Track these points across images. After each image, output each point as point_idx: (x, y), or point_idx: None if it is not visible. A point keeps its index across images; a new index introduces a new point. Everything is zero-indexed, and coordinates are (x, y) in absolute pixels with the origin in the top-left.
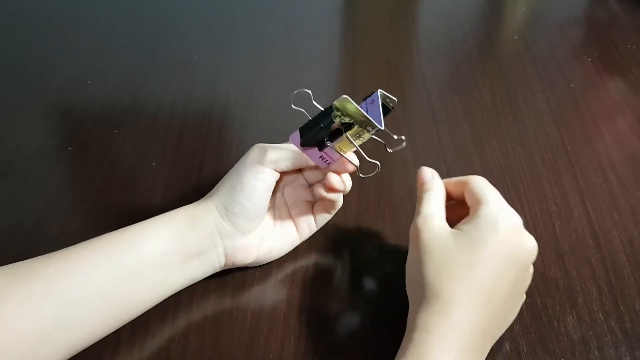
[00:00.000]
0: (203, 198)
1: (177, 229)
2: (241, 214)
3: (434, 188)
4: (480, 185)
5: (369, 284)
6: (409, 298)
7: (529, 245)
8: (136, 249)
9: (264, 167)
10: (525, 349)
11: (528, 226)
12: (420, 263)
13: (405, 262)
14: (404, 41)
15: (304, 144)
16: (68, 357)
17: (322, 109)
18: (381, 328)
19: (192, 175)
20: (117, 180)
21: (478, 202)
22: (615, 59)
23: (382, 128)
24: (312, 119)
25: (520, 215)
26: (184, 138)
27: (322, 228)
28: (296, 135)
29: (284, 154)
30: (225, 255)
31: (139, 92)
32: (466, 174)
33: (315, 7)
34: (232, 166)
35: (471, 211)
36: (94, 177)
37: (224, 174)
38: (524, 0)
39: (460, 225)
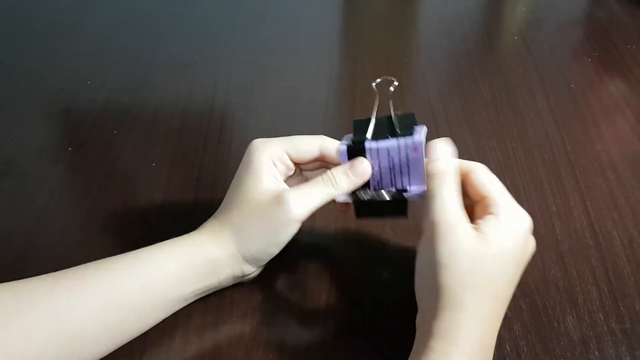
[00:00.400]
0: (219, 237)
1: (196, 273)
2: (269, 258)
3: (455, 175)
4: (488, 180)
5: (370, 283)
6: (420, 300)
7: (532, 246)
8: (148, 285)
9: (300, 223)
10: (525, 349)
11: None
12: (443, 269)
13: (408, 260)
14: (404, 41)
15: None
16: None
17: (389, 198)
18: (382, 328)
19: (192, 175)
20: (117, 180)
21: (491, 202)
22: (615, 59)
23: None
24: (377, 207)
25: None
26: (184, 138)
27: (322, 227)
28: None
29: (317, 204)
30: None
31: (139, 92)
32: None
33: (315, 7)
34: (232, 166)
35: (483, 208)
36: (94, 177)
37: (224, 174)
38: (524, 0)
39: (479, 225)
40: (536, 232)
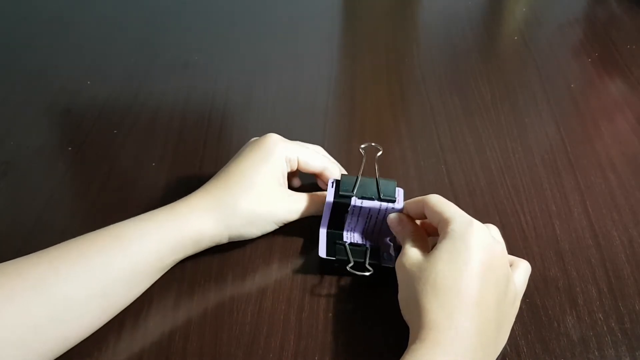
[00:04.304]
0: (210, 212)
1: (179, 245)
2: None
3: (410, 230)
4: (439, 204)
5: (370, 284)
6: (409, 324)
7: (498, 248)
8: (133, 259)
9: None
10: (525, 349)
11: (528, 226)
12: (408, 287)
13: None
14: (404, 41)
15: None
16: (65, 350)
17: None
18: (382, 328)
19: (192, 175)
20: (117, 180)
21: (444, 222)
22: (615, 59)
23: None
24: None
25: (520, 215)
26: (184, 138)
27: (318, 221)
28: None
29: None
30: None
31: (139, 92)
32: (466, 175)
33: (315, 7)
34: None
35: (440, 230)
36: (94, 177)
37: None
38: (524, 0)
39: (437, 245)
40: (536, 232)
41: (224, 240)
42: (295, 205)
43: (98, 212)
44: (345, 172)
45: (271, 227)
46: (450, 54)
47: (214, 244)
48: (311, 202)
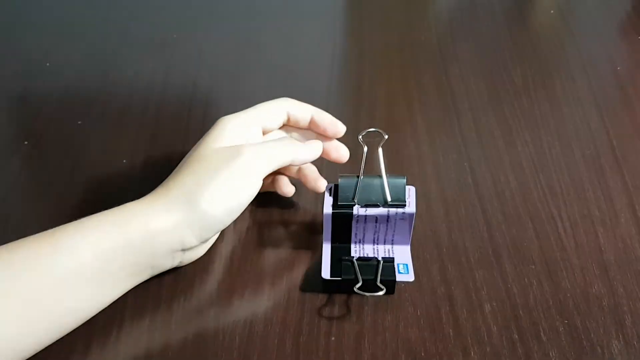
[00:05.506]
0: (163, 201)
1: (129, 244)
2: (220, 226)
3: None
4: None
5: (380, 302)
6: None
7: None
8: (68, 259)
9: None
10: None
11: (566, 234)
12: None
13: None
14: (419, 16)
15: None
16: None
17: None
18: (393, 354)
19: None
20: (81, 180)
21: None
22: None
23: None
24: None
25: (557, 221)
26: (161, 131)
27: (321, 228)
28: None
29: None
30: (180, 262)
31: (107, 76)
32: (493, 174)
33: None
34: None
35: None
36: (55, 177)
37: None
38: None
39: None
40: (576, 241)
41: (183, 237)
42: (250, 156)
43: (60, 218)
44: (308, 105)
45: (238, 196)
46: (475, 31)
47: (175, 248)
48: (275, 148)
